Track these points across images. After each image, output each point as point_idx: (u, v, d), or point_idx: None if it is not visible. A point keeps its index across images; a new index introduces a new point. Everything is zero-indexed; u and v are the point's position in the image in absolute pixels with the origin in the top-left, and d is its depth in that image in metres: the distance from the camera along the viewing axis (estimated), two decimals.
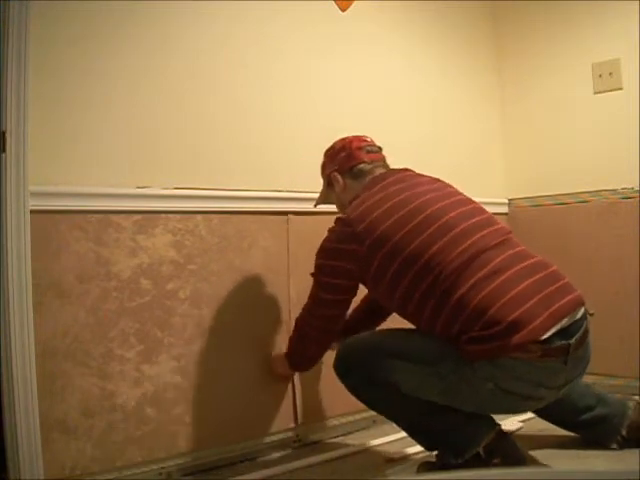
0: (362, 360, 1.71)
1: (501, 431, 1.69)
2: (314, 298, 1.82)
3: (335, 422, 2.21)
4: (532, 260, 1.66)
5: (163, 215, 1.88)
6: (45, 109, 1.70)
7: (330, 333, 1.86)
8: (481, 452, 1.64)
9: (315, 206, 2.01)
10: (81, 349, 1.72)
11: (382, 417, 2.30)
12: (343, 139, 1.93)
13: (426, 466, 1.75)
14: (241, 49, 2.09)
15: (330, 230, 1.79)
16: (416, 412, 1.70)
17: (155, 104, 1.90)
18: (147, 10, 1.89)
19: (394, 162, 2.58)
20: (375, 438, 2.13)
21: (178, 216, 1.91)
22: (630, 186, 2.50)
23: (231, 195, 2.01)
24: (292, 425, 2.12)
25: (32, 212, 1.64)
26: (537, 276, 1.62)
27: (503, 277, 1.59)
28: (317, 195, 2.21)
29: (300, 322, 1.89)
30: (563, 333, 1.55)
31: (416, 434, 1.77)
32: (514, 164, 2.89)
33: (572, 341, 1.55)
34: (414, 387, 1.66)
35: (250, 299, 2.05)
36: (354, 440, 2.14)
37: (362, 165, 1.86)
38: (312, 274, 1.80)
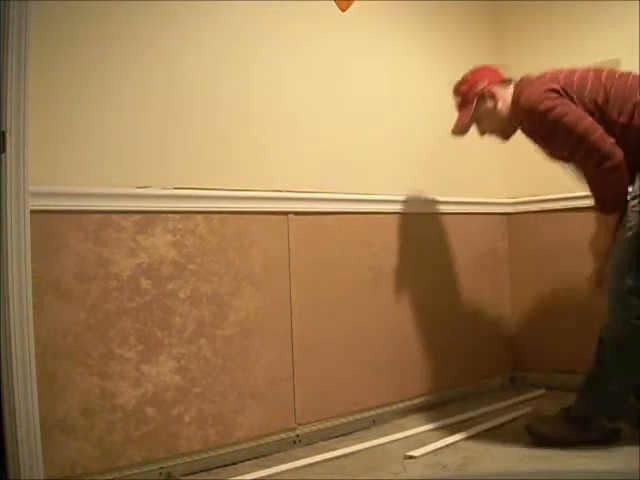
0: None
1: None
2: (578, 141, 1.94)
3: (335, 422, 2.21)
4: None
5: (163, 215, 1.88)
6: (45, 109, 1.70)
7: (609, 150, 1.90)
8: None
9: (458, 134, 2.14)
10: (81, 349, 1.72)
11: (382, 417, 2.32)
12: (475, 67, 2.14)
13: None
14: (241, 49, 2.09)
15: (536, 95, 1.95)
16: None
17: (155, 104, 1.90)
18: (147, 10, 1.89)
19: (393, 163, 2.58)
20: (375, 438, 2.14)
21: (178, 216, 1.91)
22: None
23: (231, 195, 2.01)
24: (292, 425, 2.12)
25: (32, 212, 1.64)
26: None
27: None
28: (317, 195, 2.20)
29: (591, 174, 1.95)
30: None
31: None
32: (515, 165, 2.89)
33: None
34: None
35: (250, 299, 2.05)
36: (354, 440, 2.14)
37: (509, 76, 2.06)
38: (550, 128, 1.94)
